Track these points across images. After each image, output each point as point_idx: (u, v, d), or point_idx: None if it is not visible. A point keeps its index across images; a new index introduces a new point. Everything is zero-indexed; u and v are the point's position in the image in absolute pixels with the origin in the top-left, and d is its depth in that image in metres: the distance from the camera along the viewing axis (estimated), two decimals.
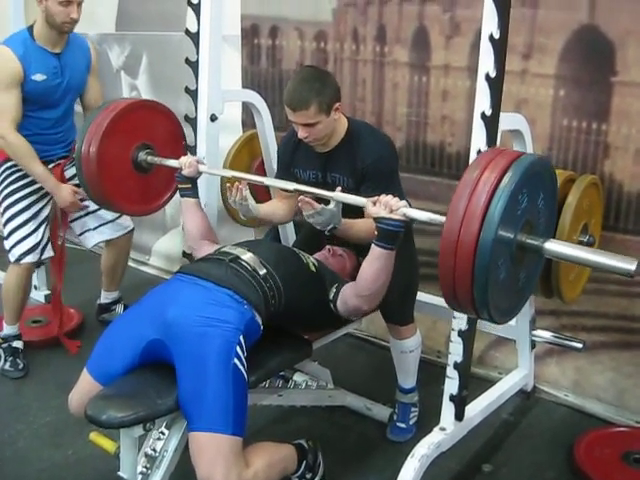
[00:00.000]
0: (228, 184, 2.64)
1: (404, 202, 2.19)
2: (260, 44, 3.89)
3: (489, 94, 2.17)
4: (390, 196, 2.20)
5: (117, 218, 3.63)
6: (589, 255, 1.90)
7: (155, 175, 3.03)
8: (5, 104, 3.15)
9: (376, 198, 2.21)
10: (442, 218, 1.95)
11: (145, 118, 3.01)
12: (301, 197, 2.40)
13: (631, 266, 1.80)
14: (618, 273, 1.83)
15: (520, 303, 2.13)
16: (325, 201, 2.37)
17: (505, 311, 2.02)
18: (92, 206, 3.52)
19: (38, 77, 3.19)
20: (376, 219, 2.19)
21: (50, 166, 3.40)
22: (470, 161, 2.22)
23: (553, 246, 1.93)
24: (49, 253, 3.51)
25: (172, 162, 2.83)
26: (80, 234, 3.63)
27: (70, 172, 3.47)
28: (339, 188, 2.39)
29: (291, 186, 2.53)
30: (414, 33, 3.28)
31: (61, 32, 3.22)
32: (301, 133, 2.52)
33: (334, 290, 2.47)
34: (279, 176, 2.80)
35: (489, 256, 1.78)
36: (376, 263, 2.27)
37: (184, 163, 2.74)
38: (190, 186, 2.76)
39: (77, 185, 3.32)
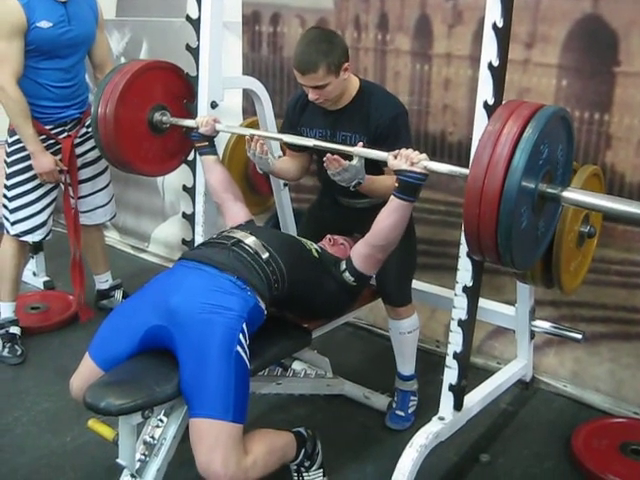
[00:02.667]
0: (248, 137, 2.65)
1: (424, 155, 2.23)
2: (261, 31, 3.87)
3: (492, 83, 2.16)
4: (410, 150, 2.24)
5: (107, 203, 3.67)
6: (606, 202, 1.96)
7: (170, 136, 3.07)
8: (7, 53, 3.10)
9: (397, 152, 2.26)
10: (464, 170, 2.04)
11: (160, 79, 3.02)
12: (328, 155, 2.40)
13: None
14: (636, 220, 1.89)
15: (539, 251, 2.21)
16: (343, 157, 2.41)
17: (525, 258, 2.09)
18: (83, 191, 3.57)
19: (43, 24, 3.14)
20: (397, 171, 2.24)
21: (62, 136, 3.39)
22: (472, 151, 2.22)
23: (571, 194, 2.01)
24: (48, 235, 3.54)
25: (188, 122, 2.88)
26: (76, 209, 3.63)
27: (77, 150, 3.48)
28: (360, 143, 2.42)
29: (311, 142, 2.53)
30: (416, 21, 3.26)
31: None
32: (311, 95, 2.53)
33: (344, 262, 2.51)
34: (284, 133, 2.81)
35: (513, 203, 1.84)
36: (395, 214, 2.32)
37: (201, 122, 2.78)
38: (208, 144, 2.80)
39: (88, 163, 3.45)
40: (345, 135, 2.63)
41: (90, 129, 3.38)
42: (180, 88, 3.06)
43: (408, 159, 2.21)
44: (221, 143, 3.18)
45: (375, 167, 2.50)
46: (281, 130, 2.90)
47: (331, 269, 2.50)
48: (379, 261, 2.49)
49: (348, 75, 2.55)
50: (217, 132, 2.80)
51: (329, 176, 2.46)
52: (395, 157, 2.25)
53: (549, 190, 1.99)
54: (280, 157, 2.87)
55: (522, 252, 2.01)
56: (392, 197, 2.30)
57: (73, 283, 3.66)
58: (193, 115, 2.93)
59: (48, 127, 3.34)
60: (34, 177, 3.36)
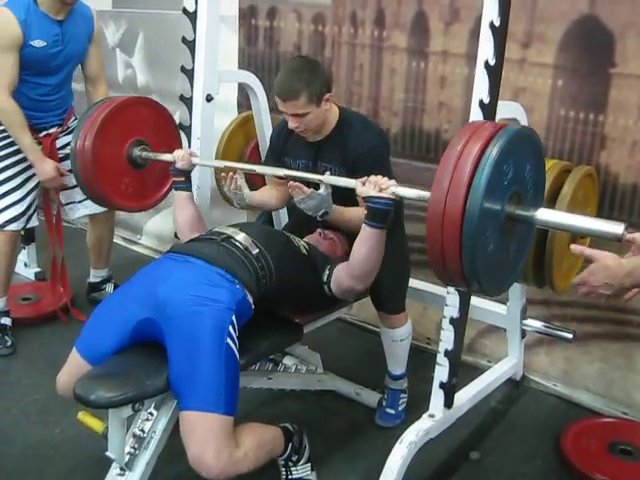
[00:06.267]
0: (223, 173, 2.67)
1: (393, 181, 2.21)
2: (258, 25, 3.86)
3: (488, 82, 2.16)
4: (379, 176, 2.22)
5: None
6: (580, 222, 1.89)
7: (150, 171, 3.05)
8: (1, 67, 3.11)
9: (365, 178, 2.24)
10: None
11: (139, 115, 3.01)
12: (291, 182, 2.41)
13: (619, 229, 1.79)
14: (607, 238, 1.83)
15: (513, 274, 2.12)
16: (316, 187, 2.40)
17: (497, 282, 2.02)
18: (74, 181, 3.51)
19: (37, 43, 3.15)
20: (366, 198, 2.21)
21: (42, 134, 3.39)
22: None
23: (544, 215, 1.93)
24: (34, 222, 3.52)
25: (166, 156, 2.84)
26: (65, 204, 3.63)
27: (61, 141, 3.48)
28: (328, 172, 2.41)
29: (281, 172, 2.54)
30: (413, 18, 3.26)
31: (64, 3, 3.19)
32: (291, 123, 2.52)
33: (327, 272, 2.48)
34: (268, 163, 2.81)
35: (476, 227, 1.77)
36: (367, 243, 2.29)
37: (177, 156, 2.75)
38: (184, 179, 2.77)
39: (66, 156, 3.30)
40: (326, 166, 2.62)
41: (73, 124, 3.42)
42: (160, 123, 3.07)
43: (376, 185, 2.19)
44: (216, 136, 3.18)
45: (352, 199, 2.48)
46: (265, 157, 2.91)
47: (317, 269, 2.49)
48: (357, 292, 2.48)
49: (329, 106, 2.55)
50: (193, 166, 2.77)
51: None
52: (363, 184, 2.23)
53: (518, 212, 1.92)
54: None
55: (491, 276, 1.94)
56: (363, 225, 2.27)
57: (53, 282, 3.69)
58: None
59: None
60: (15, 164, 3.36)
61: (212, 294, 2.16)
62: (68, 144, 3.42)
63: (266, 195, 2.83)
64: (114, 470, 2.20)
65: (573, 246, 1.87)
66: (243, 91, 3.56)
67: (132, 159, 2.96)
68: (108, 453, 2.13)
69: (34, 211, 3.49)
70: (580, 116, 2.86)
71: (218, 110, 3.00)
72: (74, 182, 3.23)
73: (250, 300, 2.27)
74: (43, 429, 2.81)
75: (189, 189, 2.79)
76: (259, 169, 2.69)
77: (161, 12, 4.27)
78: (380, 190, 2.18)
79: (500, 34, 2.14)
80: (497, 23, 2.12)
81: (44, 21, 3.17)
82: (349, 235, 2.62)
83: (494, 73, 2.16)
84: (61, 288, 3.80)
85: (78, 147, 2.85)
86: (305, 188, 2.38)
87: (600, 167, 2.84)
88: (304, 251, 2.52)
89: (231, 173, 2.63)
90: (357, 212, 2.49)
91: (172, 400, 2.17)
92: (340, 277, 2.44)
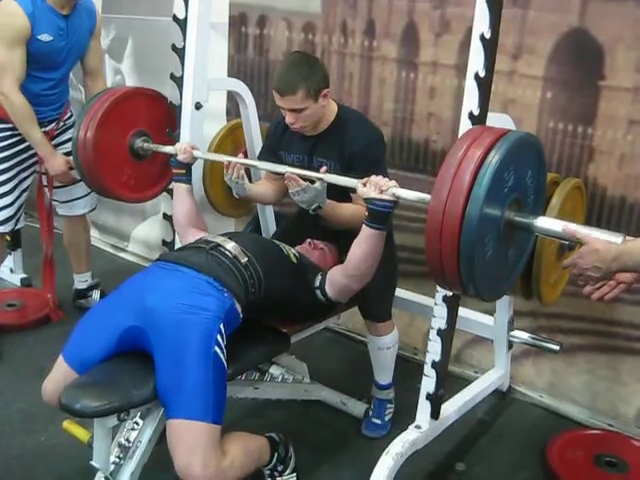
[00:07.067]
0: (225, 163, 2.66)
1: (394, 182, 2.22)
2: (248, 33, 3.86)
3: (477, 94, 2.16)
4: (380, 177, 2.24)
5: (87, 195, 3.62)
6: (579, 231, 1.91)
7: (152, 163, 3.08)
8: (9, 61, 3.10)
9: (366, 179, 2.25)
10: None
11: (141, 106, 3.04)
12: (287, 174, 2.42)
13: (617, 239, 1.82)
14: None
15: (509, 280, 2.15)
16: (312, 181, 2.41)
17: (494, 288, 2.05)
18: None
19: (44, 37, 3.14)
20: (366, 199, 2.23)
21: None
22: None
23: (544, 223, 1.96)
24: (21, 224, 3.52)
25: (168, 148, 2.87)
26: (53, 200, 3.63)
27: (55, 140, 3.47)
28: (324, 168, 2.43)
29: (283, 169, 2.53)
30: (403, 29, 3.26)
31: None
32: (288, 119, 2.52)
33: (319, 277, 2.48)
34: (263, 157, 2.82)
35: (474, 233, 1.80)
36: (366, 243, 2.30)
37: (179, 149, 2.77)
38: (184, 171, 2.78)
39: (67, 153, 3.33)
40: (321, 161, 2.62)
41: (69, 122, 3.43)
42: (162, 114, 3.08)
43: (377, 186, 2.20)
44: (205, 144, 3.17)
45: (345, 195, 2.50)
46: (261, 152, 2.91)
47: (307, 277, 2.49)
48: (353, 291, 2.48)
49: (327, 102, 2.56)
50: (195, 159, 2.79)
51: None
52: (364, 185, 2.25)
53: (518, 219, 1.95)
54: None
55: (488, 283, 1.97)
56: (363, 226, 2.29)
57: (44, 282, 3.67)
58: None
59: None
60: (13, 167, 3.35)
61: (200, 302, 2.16)
62: (63, 142, 3.46)
63: (264, 188, 2.85)
64: (98, 479, 2.18)
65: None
66: (232, 98, 3.55)
67: (134, 150, 3.00)
68: (93, 462, 2.12)
69: (22, 213, 3.49)
70: (569, 128, 2.87)
71: (207, 118, 3.00)
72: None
73: (238, 309, 2.26)
74: (27, 437, 2.79)
75: (189, 182, 2.80)
76: (260, 165, 2.71)
77: (151, 19, 4.26)
78: (381, 191, 2.20)
79: (491, 46, 2.14)
80: (488, 35, 2.13)
81: (50, 15, 3.16)
82: (340, 245, 2.62)
83: (484, 85, 2.16)
84: (48, 295, 3.76)
85: (80, 138, 2.87)
86: (301, 181, 2.40)
87: (588, 179, 2.85)
88: (294, 259, 2.52)
89: (234, 161, 2.63)
90: (349, 208, 2.52)
91: (158, 410, 2.17)
92: (336, 277, 2.44)
